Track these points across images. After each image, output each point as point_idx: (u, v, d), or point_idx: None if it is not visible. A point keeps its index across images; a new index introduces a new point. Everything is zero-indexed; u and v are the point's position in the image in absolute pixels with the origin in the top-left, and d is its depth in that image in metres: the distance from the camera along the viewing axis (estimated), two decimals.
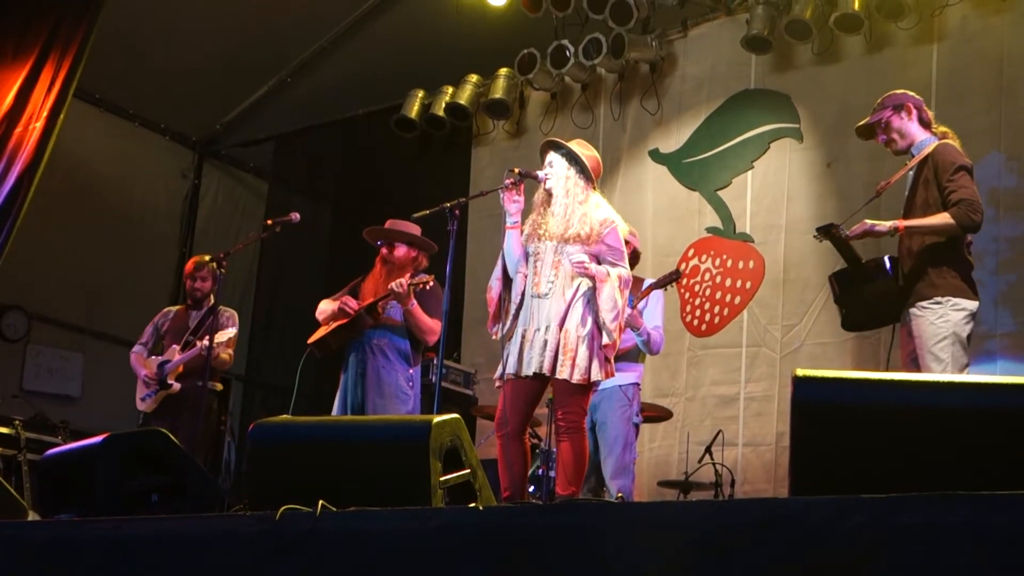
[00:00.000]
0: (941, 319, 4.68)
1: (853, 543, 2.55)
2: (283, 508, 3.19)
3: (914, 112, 4.96)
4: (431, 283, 5.83)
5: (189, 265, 6.99)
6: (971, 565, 2.44)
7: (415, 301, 5.86)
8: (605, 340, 4.73)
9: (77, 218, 8.93)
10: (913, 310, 4.76)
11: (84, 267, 8.98)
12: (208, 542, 3.31)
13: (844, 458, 2.88)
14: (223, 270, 6.38)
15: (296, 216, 6.42)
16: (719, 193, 7.73)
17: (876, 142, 5.15)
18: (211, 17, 8.68)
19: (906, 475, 2.73)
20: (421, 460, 3.39)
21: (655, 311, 6.04)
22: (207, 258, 6.92)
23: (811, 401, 2.96)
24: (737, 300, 7.49)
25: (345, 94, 9.31)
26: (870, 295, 5.06)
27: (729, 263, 7.58)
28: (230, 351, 6.69)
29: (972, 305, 4.74)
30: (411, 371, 6.00)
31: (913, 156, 4.98)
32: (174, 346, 6.71)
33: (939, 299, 4.70)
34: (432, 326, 5.91)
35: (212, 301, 6.82)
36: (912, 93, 5.05)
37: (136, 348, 6.90)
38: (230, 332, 6.65)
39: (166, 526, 3.47)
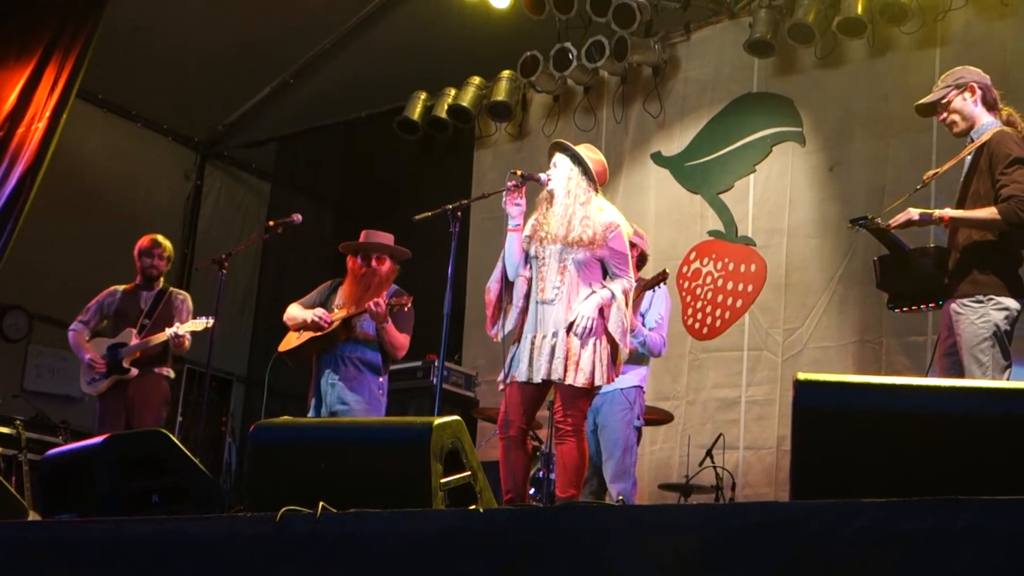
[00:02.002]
0: (982, 319, 4.51)
1: (854, 547, 2.55)
2: (283, 509, 3.19)
3: (978, 92, 4.73)
4: (408, 306, 5.92)
5: (145, 241, 6.82)
6: (973, 570, 2.44)
7: (390, 320, 5.93)
8: (621, 354, 4.77)
9: (79, 218, 8.94)
10: (954, 306, 4.59)
11: (86, 267, 8.97)
12: (209, 543, 3.31)
13: (845, 462, 2.88)
14: (225, 271, 6.36)
15: (298, 218, 6.42)
16: (721, 196, 7.73)
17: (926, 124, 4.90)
18: (214, 18, 8.69)
19: (908, 479, 2.73)
20: (422, 462, 3.38)
21: (656, 312, 6.02)
22: (161, 237, 6.85)
23: (812, 405, 2.95)
24: (739, 303, 7.48)
25: (347, 96, 9.32)
26: (915, 278, 4.91)
27: (731, 266, 7.58)
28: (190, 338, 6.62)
29: (1015, 304, 4.55)
30: (381, 379, 6.09)
31: (972, 140, 4.76)
32: (129, 330, 6.64)
33: (980, 297, 4.53)
34: (403, 342, 6.04)
35: (162, 283, 6.80)
36: (977, 70, 4.83)
37: (76, 326, 6.74)
38: (207, 322, 6.51)
39: (166, 527, 3.47)
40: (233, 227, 10.16)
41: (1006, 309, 4.54)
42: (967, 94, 4.75)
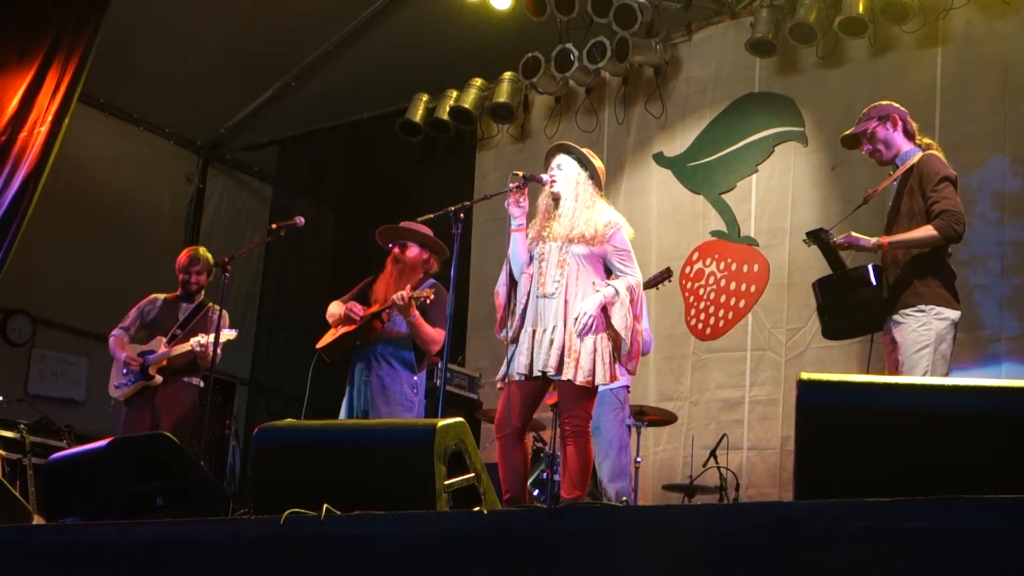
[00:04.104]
0: (924, 327, 4.72)
1: (857, 547, 2.55)
2: (287, 512, 3.18)
3: (899, 123, 5.01)
4: (431, 298, 5.74)
5: (184, 257, 6.89)
6: (976, 569, 2.44)
7: (417, 312, 5.78)
8: (624, 350, 4.78)
9: (82, 222, 8.95)
10: (896, 317, 4.80)
11: (89, 271, 9.00)
12: (213, 546, 3.31)
13: (849, 462, 2.88)
14: (227, 273, 6.37)
15: (300, 220, 6.41)
16: (723, 197, 7.73)
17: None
18: (216, 21, 8.69)
19: (911, 479, 2.73)
20: (425, 464, 3.38)
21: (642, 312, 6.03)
22: (201, 250, 6.89)
23: (816, 405, 2.95)
24: (742, 304, 7.48)
25: (349, 98, 9.33)
26: (853, 303, 5.10)
27: (734, 267, 7.58)
28: (219, 350, 6.66)
29: (955, 315, 4.79)
30: (415, 378, 5.95)
31: (898, 167, 5.03)
32: (160, 338, 6.66)
33: (923, 307, 4.75)
34: (435, 336, 5.83)
35: (202, 296, 6.83)
36: (896, 104, 5.10)
37: (116, 332, 6.80)
38: (231, 334, 6.58)
39: (171, 530, 3.48)
40: (235, 230, 10.17)
41: (947, 319, 4.76)
42: (889, 125, 5.02)
